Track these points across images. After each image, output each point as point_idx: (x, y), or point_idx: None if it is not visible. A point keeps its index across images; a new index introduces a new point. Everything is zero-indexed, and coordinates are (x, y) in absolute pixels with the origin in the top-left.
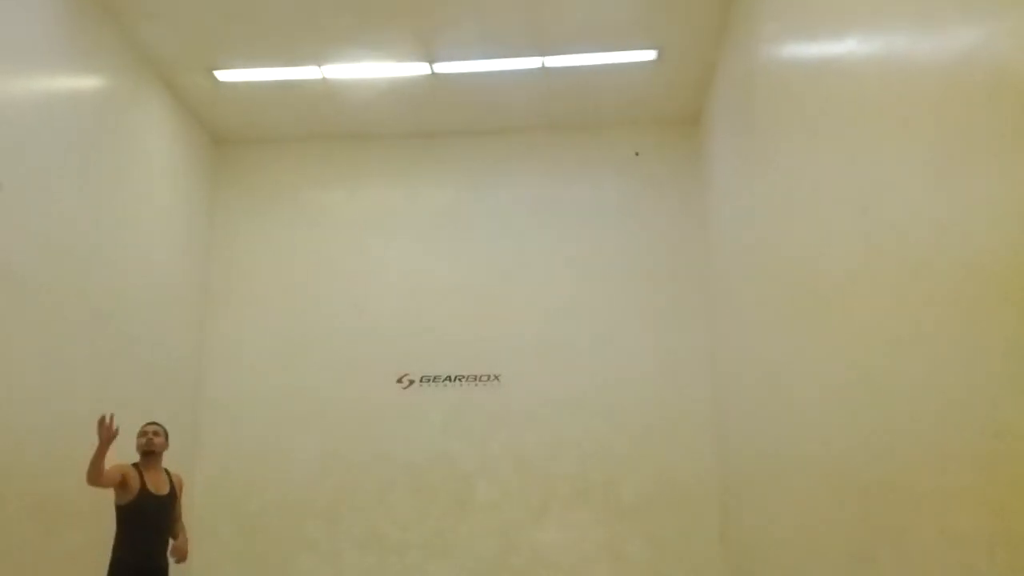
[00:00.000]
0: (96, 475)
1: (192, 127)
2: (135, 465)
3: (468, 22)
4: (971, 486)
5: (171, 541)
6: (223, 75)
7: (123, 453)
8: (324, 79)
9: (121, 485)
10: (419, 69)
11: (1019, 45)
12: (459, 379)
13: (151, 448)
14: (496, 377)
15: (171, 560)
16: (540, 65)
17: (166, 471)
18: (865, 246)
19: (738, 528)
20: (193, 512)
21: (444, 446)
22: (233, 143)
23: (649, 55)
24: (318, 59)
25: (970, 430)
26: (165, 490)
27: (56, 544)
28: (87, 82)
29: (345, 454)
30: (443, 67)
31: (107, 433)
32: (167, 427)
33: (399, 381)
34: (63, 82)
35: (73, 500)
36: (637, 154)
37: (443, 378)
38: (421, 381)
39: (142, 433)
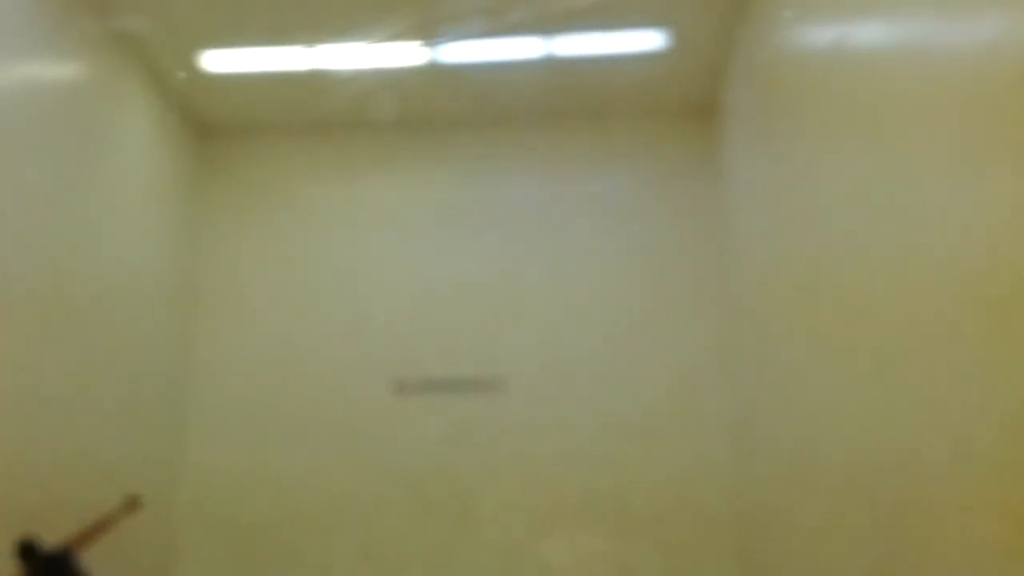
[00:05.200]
0: None
1: (177, 118)
2: None
3: (468, 1)
4: (995, 496)
5: None
6: (210, 63)
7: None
8: (316, 67)
9: None
10: (417, 56)
11: None
12: (460, 384)
13: None
14: (499, 383)
15: None
16: (545, 52)
17: None
18: (889, 245)
19: (756, 542)
20: (177, 527)
21: (443, 456)
22: (220, 135)
23: (660, 39)
24: (310, 46)
25: (996, 438)
26: None
27: None
28: (63, 70)
29: (338, 465)
30: (443, 52)
31: None
32: (151, 437)
33: (395, 387)
34: (36, 70)
35: (54, 508)
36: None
37: (443, 383)
38: (419, 387)
39: None
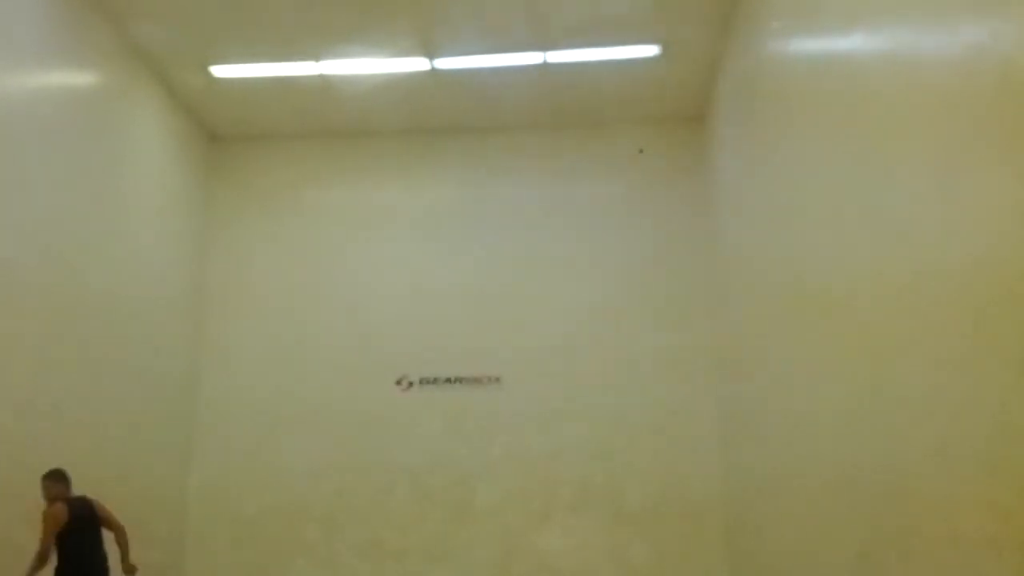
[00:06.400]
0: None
1: (188, 124)
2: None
3: (468, 16)
4: (978, 490)
5: None
6: (220, 71)
7: None
8: (322, 75)
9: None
10: (419, 65)
11: None
12: (459, 381)
13: None
14: (497, 379)
15: None
16: (542, 61)
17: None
18: (871, 246)
19: (744, 533)
20: (187, 518)
21: (444, 449)
22: (229, 140)
23: (652, 50)
24: (316, 55)
25: (977, 434)
26: None
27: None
28: (80, 78)
29: (343, 458)
30: (443, 63)
31: None
32: (162, 431)
33: (398, 383)
34: (55, 78)
35: None
36: (641, 151)
37: (443, 380)
38: (420, 383)
39: None
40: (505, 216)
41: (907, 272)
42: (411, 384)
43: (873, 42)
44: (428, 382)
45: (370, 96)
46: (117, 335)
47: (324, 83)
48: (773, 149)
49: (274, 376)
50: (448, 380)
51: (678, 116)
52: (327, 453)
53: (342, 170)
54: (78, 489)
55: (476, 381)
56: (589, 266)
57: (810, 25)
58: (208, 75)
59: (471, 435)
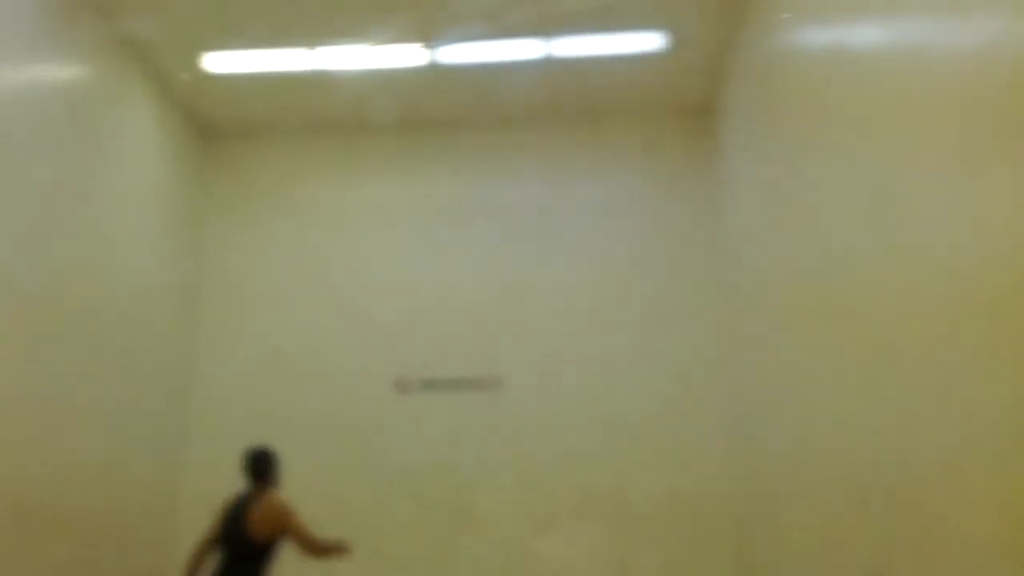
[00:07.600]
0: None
1: (179, 120)
2: None
3: (469, 3)
4: (993, 494)
5: None
6: (212, 65)
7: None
8: (318, 69)
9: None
10: (418, 57)
11: None
12: (460, 384)
13: None
14: (499, 382)
15: None
16: (545, 53)
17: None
18: (885, 245)
19: (753, 539)
20: (178, 527)
21: (443, 455)
22: (223, 136)
23: (659, 40)
24: (311, 48)
25: (991, 437)
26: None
27: (39, 555)
28: (67, 72)
29: (339, 463)
30: (443, 54)
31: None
32: (153, 434)
33: (396, 386)
34: (41, 72)
35: (56, 510)
36: (648, 145)
37: (443, 382)
38: (420, 386)
39: None
40: (507, 214)
41: (921, 271)
42: (409, 387)
43: (887, 35)
44: (427, 385)
45: (367, 89)
46: (106, 336)
47: (320, 75)
48: (784, 143)
49: (269, 379)
50: (448, 383)
51: (687, 110)
52: (323, 458)
53: (339, 167)
54: (74, 490)
55: (477, 384)
56: (593, 265)
57: (822, 16)
58: (200, 68)
59: (472, 439)
